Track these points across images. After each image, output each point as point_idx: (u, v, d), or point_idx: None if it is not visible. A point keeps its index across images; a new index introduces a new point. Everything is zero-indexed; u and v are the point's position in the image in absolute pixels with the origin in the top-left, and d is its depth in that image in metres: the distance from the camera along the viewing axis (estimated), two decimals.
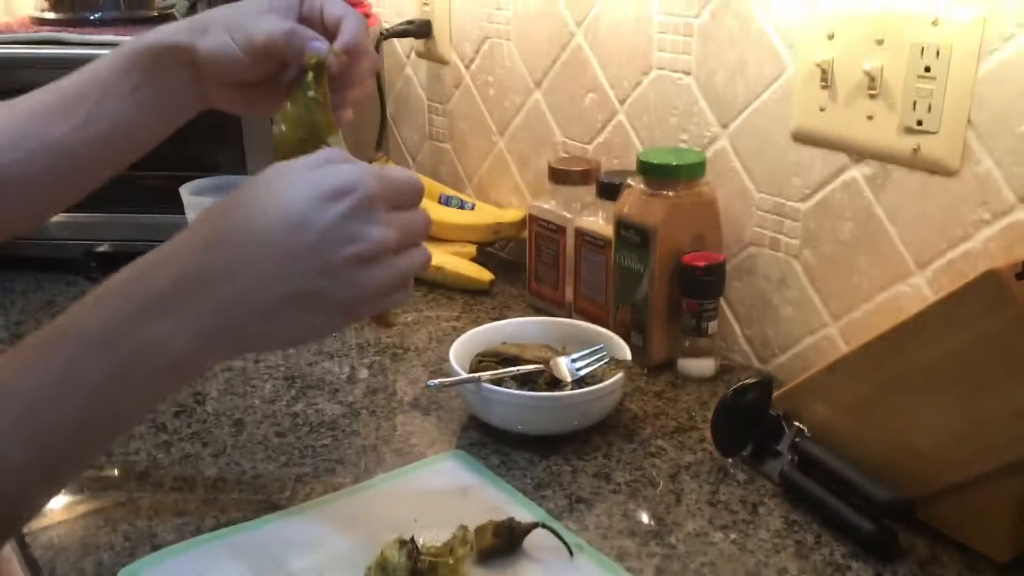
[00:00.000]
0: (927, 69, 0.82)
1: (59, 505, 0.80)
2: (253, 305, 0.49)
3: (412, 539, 0.71)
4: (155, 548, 0.74)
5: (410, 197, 0.56)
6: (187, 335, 0.49)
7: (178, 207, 1.16)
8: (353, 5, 1.34)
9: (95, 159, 0.71)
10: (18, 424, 0.46)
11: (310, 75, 0.65)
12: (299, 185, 0.51)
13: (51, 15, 1.31)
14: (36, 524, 0.77)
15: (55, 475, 0.50)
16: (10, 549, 0.69)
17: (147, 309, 0.48)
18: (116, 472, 0.85)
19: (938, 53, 0.81)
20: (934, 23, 0.81)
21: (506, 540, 0.73)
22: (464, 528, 0.74)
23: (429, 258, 0.57)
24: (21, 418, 0.46)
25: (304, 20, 0.69)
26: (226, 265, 0.49)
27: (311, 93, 0.65)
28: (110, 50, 0.71)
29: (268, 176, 0.54)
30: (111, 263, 1.25)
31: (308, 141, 0.66)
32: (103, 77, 0.70)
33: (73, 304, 0.50)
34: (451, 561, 0.69)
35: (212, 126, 1.24)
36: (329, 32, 0.68)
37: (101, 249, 1.28)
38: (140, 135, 0.72)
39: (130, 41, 0.70)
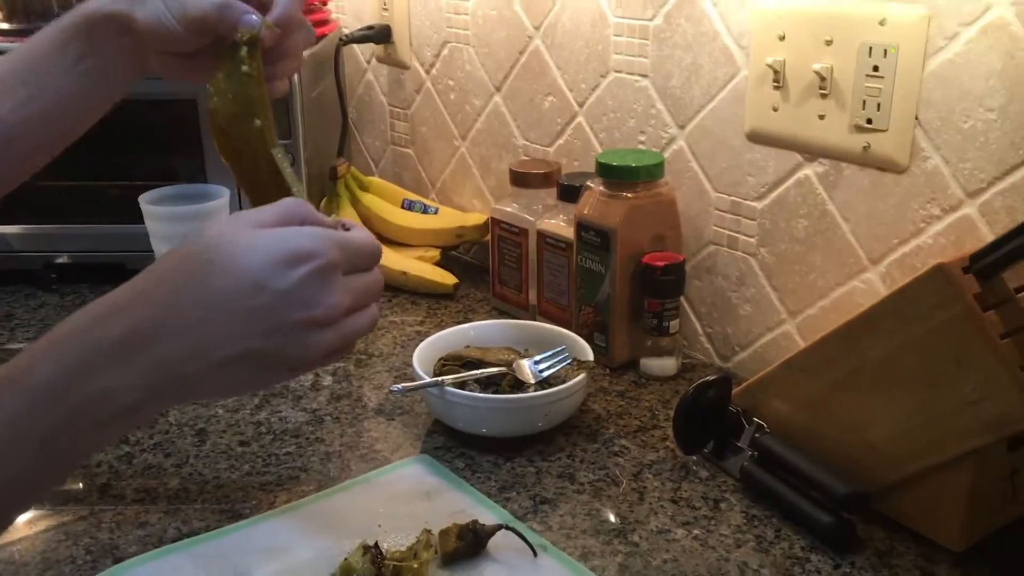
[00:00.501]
0: (875, 68, 0.83)
1: (20, 521, 0.79)
2: (204, 361, 0.50)
3: (376, 544, 0.71)
4: (116, 560, 0.73)
5: (367, 261, 0.56)
6: (136, 387, 0.49)
7: (137, 217, 1.15)
8: (311, 11, 1.34)
9: (41, 136, 0.70)
10: None
11: (243, 50, 0.64)
12: (258, 249, 0.51)
13: (4, 25, 1.29)
14: None
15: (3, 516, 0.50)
16: None
17: (99, 360, 0.48)
18: (78, 485, 0.84)
19: (885, 52, 0.82)
20: (881, 23, 0.82)
21: (470, 543, 0.73)
22: (428, 532, 0.74)
23: (376, 319, 0.57)
24: None
25: None
26: (181, 322, 0.50)
27: (244, 68, 0.64)
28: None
29: (229, 234, 0.52)
30: (71, 274, 1.25)
31: (243, 115, 0.65)
32: (43, 51, 0.68)
33: (22, 349, 0.50)
34: (415, 565, 0.70)
35: (171, 135, 1.24)
36: (263, 3, 0.67)
37: (60, 260, 1.27)
38: (84, 107, 0.71)
39: (66, 14, 0.69)
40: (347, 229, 0.57)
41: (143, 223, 1.16)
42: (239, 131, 0.66)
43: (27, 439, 0.47)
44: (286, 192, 0.67)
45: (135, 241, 1.21)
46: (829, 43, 0.86)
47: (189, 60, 0.70)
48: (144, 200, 1.15)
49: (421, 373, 0.91)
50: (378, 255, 0.56)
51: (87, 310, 0.51)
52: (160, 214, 1.14)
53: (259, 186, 0.68)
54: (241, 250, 0.51)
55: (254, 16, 0.64)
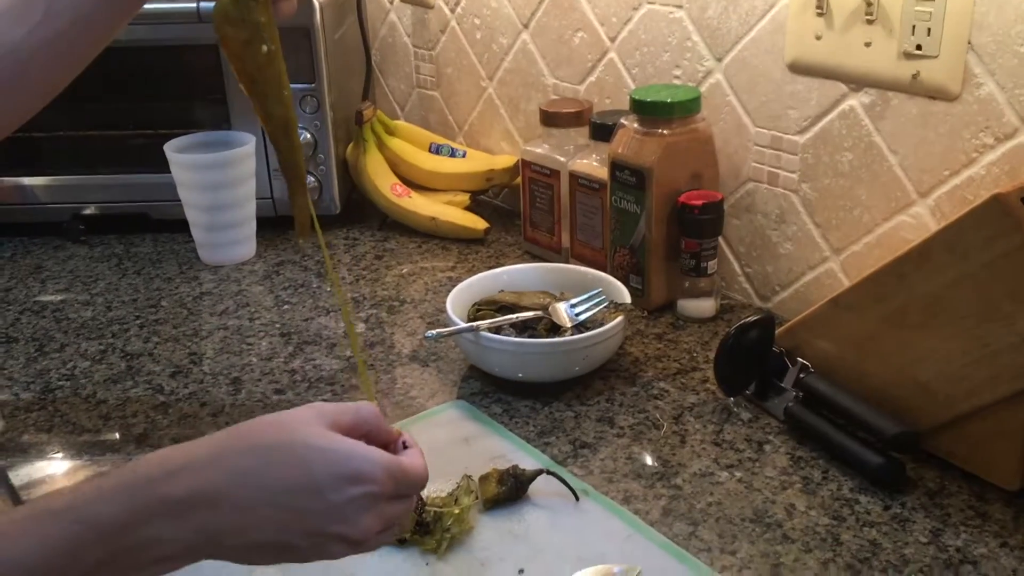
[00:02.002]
0: None
1: (58, 471, 0.79)
2: (243, 538, 0.53)
3: None
4: None
5: (412, 491, 0.59)
6: (179, 542, 0.52)
7: (163, 166, 1.14)
8: None
9: (57, 60, 0.69)
10: None
11: None
12: (329, 459, 0.54)
13: None
14: (37, 491, 0.76)
15: None
16: None
17: (158, 511, 0.51)
18: (114, 436, 0.84)
19: None
20: None
21: (511, 488, 0.72)
22: (468, 477, 0.73)
23: (382, 544, 0.59)
24: None
25: None
26: (240, 499, 0.52)
27: None
28: None
29: (310, 433, 0.55)
30: (99, 224, 1.25)
31: (251, 41, 0.64)
32: None
33: (80, 483, 0.52)
34: (457, 511, 0.69)
35: (193, 83, 1.22)
36: None
37: (88, 211, 1.26)
38: (99, 29, 0.70)
39: None
40: (407, 446, 0.60)
41: (169, 172, 1.14)
42: (251, 57, 0.64)
43: (76, 567, 0.50)
44: (290, 125, 0.66)
45: (161, 190, 1.20)
46: None
47: None
48: (169, 148, 1.14)
49: (455, 319, 0.89)
50: (423, 485, 0.59)
51: (161, 460, 0.53)
52: (186, 162, 1.13)
53: (269, 116, 0.66)
54: (314, 453, 0.54)
55: None
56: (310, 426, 0.56)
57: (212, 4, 0.65)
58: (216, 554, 0.54)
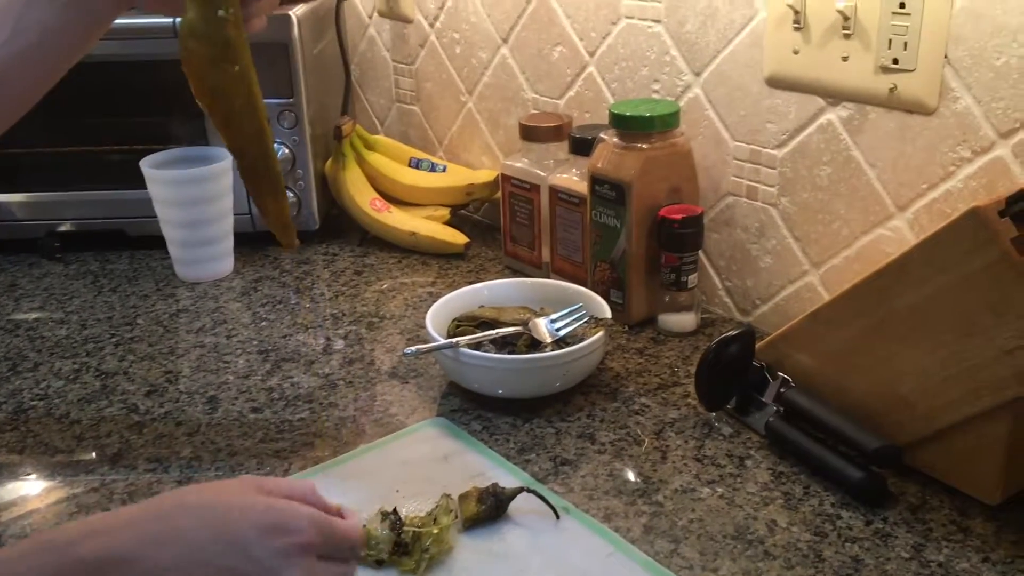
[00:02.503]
0: (902, 5, 0.80)
1: (32, 493, 0.78)
2: None
3: (395, 510, 0.69)
4: None
5: (344, 553, 0.58)
6: None
7: (140, 182, 1.13)
8: None
9: (26, 75, 0.68)
10: None
11: None
12: (249, 514, 0.54)
13: None
14: (8, 514, 0.75)
15: None
16: None
17: (73, 574, 0.50)
18: (88, 457, 0.82)
19: None
20: None
21: (491, 506, 0.71)
22: (447, 496, 0.72)
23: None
24: None
25: None
26: (152, 563, 0.51)
27: (221, 12, 0.61)
28: None
29: (233, 492, 0.56)
30: (74, 241, 1.23)
31: (219, 59, 0.63)
32: None
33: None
34: (436, 531, 0.68)
35: (171, 99, 1.21)
36: None
37: (63, 228, 1.25)
38: (69, 43, 0.70)
39: None
40: (343, 517, 0.59)
41: (145, 188, 1.13)
42: (215, 75, 0.63)
43: None
44: (263, 134, 0.65)
45: (138, 207, 1.18)
46: None
47: None
48: (146, 164, 1.13)
49: (435, 335, 0.88)
50: (357, 548, 0.59)
51: (88, 523, 0.53)
52: (162, 178, 1.12)
53: (235, 129, 0.65)
54: (234, 512, 0.53)
55: None
56: (236, 491, 0.55)
57: None
58: None
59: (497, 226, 1.22)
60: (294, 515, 0.55)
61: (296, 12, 1.17)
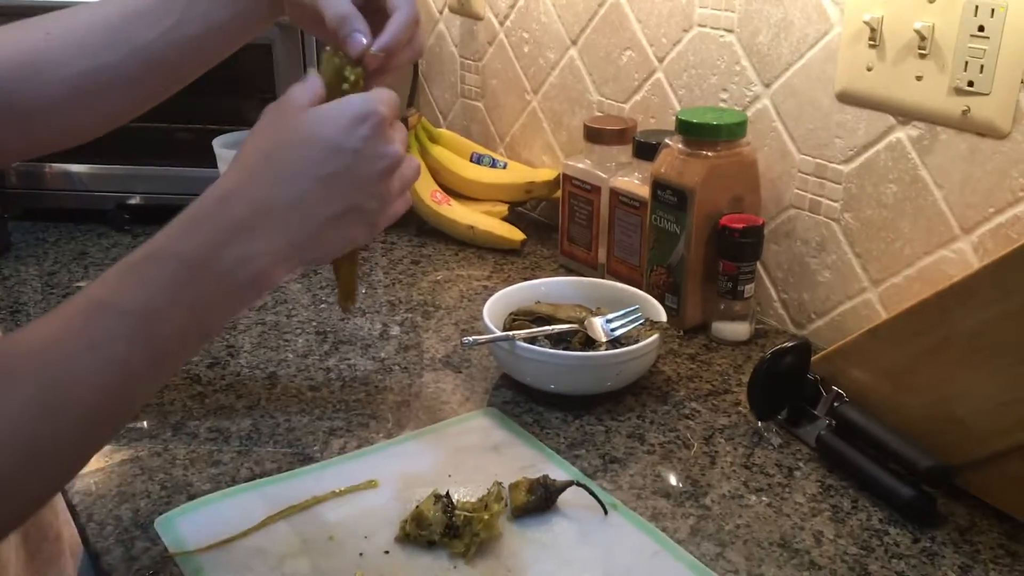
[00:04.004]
0: (980, 28, 0.80)
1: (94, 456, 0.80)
2: (315, 225, 0.58)
3: (447, 494, 0.71)
4: (191, 497, 0.74)
5: (396, 111, 0.63)
6: (265, 253, 0.57)
7: (210, 160, 1.16)
8: None
9: (185, 62, 0.73)
10: (135, 336, 0.53)
11: (347, 66, 0.64)
12: (326, 120, 0.59)
13: None
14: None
15: (154, 381, 0.57)
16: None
17: (233, 234, 0.56)
18: (151, 422, 0.85)
19: (992, 12, 0.78)
20: None
21: (541, 497, 0.73)
22: (499, 484, 0.74)
23: (419, 168, 0.65)
24: (138, 331, 0.53)
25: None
26: (292, 194, 0.57)
27: (346, 76, 0.64)
28: None
29: (292, 118, 0.60)
30: (143, 215, 1.27)
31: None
32: None
33: (159, 231, 0.56)
34: (486, 516, 0.69)
35: (244, 80, 1.24)
36: (381, 10, 0.67)
37: (133, 201, 1.28)
38: (229, 37, 0.73)
39: None
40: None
41: (216, 167, 1.16)
42: None
43: (180, 303, 0.54)
44: None
45: (207, 184, 1.20)
46: (932, 1, 0.82)
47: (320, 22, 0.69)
48: (218, 144, 1.16)
49: (492, 327, 0.90)
50: (399, 102, 0.63)
51: (207, 195, 0.57)
52: (233, 158, 1.14)
53: None
54: (312, 125, 0.59)
55: (363, 39, 0.64)
56: (289, 114, 0.60)
57: None
58: (304, 254, 0.59)
59: (554, 225, 1.23)
60: (358, 101, 0.60)
61: None
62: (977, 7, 0.79)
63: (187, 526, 0.71)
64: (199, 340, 0.59)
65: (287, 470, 0.78)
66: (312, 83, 0.62)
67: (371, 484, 0.76)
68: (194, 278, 0.55)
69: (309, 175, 0.58)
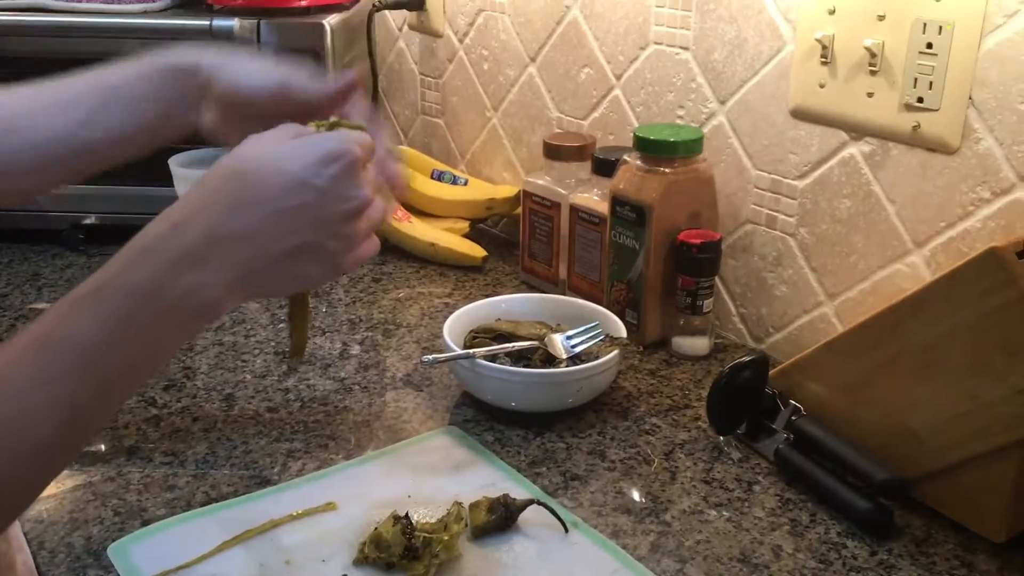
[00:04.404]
0: (929, 45, 0.81)
1: None
2: (267, 258, 0.58)
3: (407, 515, 0.70)
4: (145, 523, 0.73)
5: (370, 153, 0.63)
6: (216, 285, 0.56)
7: (166, 179, 1.15)
8: None
9: (82, 160, 0.72)
10: (85, 370, 0.53)
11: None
12: (295, 155, 0.59)
13: None
14: None
15: (106, 412, 0.57)
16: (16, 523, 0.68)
17: (182, 265, 0.55)
18: (105, 447, 0.84)
19: (940, 29, 0.80)
20: None
21: (501, 517, 0.72)
22: (459, 504, 0.73)
23: (386, 212, 0.65)
24: (88, 365, 0.53)
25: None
26: (246, 225, 0.57)
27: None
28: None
29: (264, 148, 0.60)
30: (98, 235, 1.25)
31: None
32: (114, 82, 0.71)
33: (109, 260, 0.55)
34: (446, 537, 0.69)
35: None
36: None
37: (88, 221, 1.26)
38: (134, 144, 0.73)
39: (155, 54, 0.72)
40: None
41: (172, 185, 1.15)
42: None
43: (129, 335, 0.54)
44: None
45: (163, 203, 1.17)
46: (881, 18, 0.84)
47: (246, 124, 0.69)
48: (174, 163, 1.15)
49: (452, 345, 0.90)
50: (374, 147, 0.64)
51: (163, 219, 0.57)
52: (190, 177, 1.13)
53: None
54: (282, 158, 0.59)
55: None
56: (262, 144, 0.60)
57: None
58: (257, 286, 0.59)
59: (515, 241, 1.24)
60: (332, 141, 0.60)
61: (330, 21, 1.19)
62: (925, 24, 0.81)
63: (141, 553, 0.69)
64: (149, 370, 0.59)
65: (244, 493, 0.77)
66: (292, 126, 0.62)
67: (330, 506, 0.75)
68: (143, 309, 0.54)
69: (266, 207, 0.57)
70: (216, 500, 0.76)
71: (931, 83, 0.82)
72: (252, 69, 0.71)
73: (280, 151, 0.59)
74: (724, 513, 0.76)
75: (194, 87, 0.71)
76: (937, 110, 0.82)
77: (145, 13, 1.21)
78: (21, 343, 0.53)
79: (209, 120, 0.72)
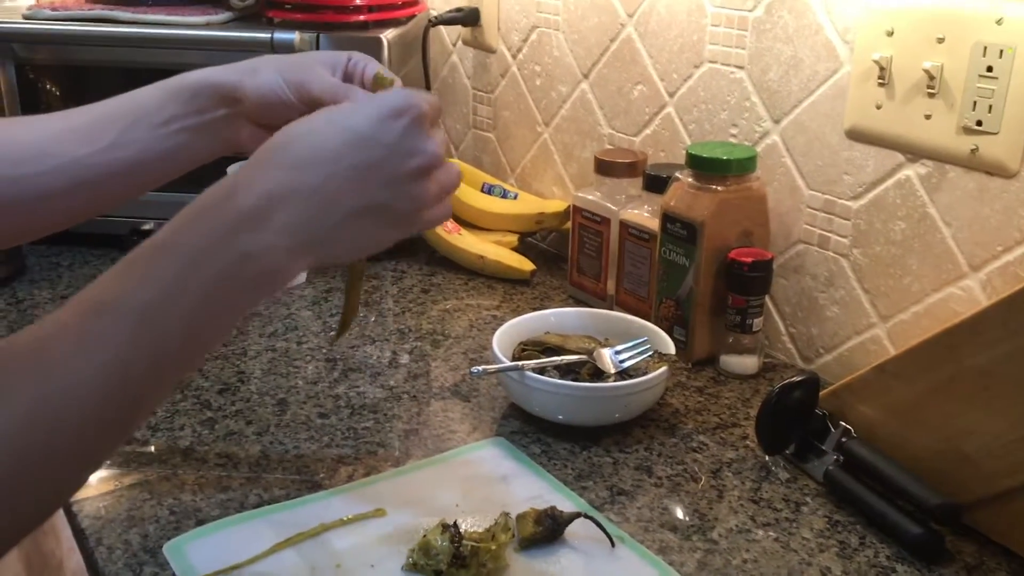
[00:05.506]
0: (989, 69, 0.81)
1: (105, 477, 0.81)
2: (330, 218, 0.55)
3: (455, 524, 0.71)
4: (200, 523, 0.75)
5: (438, 112, 0.61)
6: (275, 249, 0.53)
7: None
8: None
9: (113, 184, 0.71)
10: (137, 334, 0.50)
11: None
12: (361, 111, 0.57)
13: None
14: (82, 494, 0.78)
15: (161, 387, 0.54)
16: (60, 517, 0.70)
17: (239, 225, 0.53)
18: (161, 447, 0.86)
19: (1001, 53, 0.79)
20: (998, 22, 0.79)
21: (548, 528, 0.73)
22: (506, 515, 0.74)
23: (460, 175, 0.62)
24: (139, 329, 0.50)
25: (347, 78, 0.71)
26: (308, 185, 0.54)
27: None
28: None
29: (328, 110, 0.59)
30: None
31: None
32: (138, 105, 0.70)
33: (165, 224, 0.54)
34: (493, 547, 0.70)
35: None
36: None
37: (147, 227, 1.29)
38: (162, 168, 0.72)
39: (176, 76, 0.71)
40: None
41: None
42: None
43: (182, 300, 0.51)
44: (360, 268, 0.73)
45: None
46: (941, 41, 0.84)
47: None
48: (233, 170, 1.17)
49: (501, 356, 0.90)
50: (441, 108, 0.64)
51: (220, 185, 0.55)
52: None
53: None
54: (347, 115, 0.57)
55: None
56: (326, 109, 0.58)
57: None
58: (319, 250, 0.55)
59: (563, 255, 1.24)
60: (398, 94, 0.58)
61: (387, 35, 1.21)
62: (986, 48, 0.80)
63: (196, 552, 0.71)
64: (206, 343, 0.55)
65: (295, 497, 0.78)
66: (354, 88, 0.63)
67: (379, 512, 0.76)
68: (198, 271, 0.52)
69: (333, 164, 0.55)
70: (268, 502, 0.77)
71: (991, 106, 0.81)
72: (270, 80, 0.69)
73: (341, 110, 0.57)
74: (772, 533, 0.76)
75: (221, 105, 0.70)
76: (996, 133, 0.81)
77: (208, 25, 1.24)
78: (68, 311, 0.50)
79: (246, 135, 0.72)
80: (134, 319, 0.50)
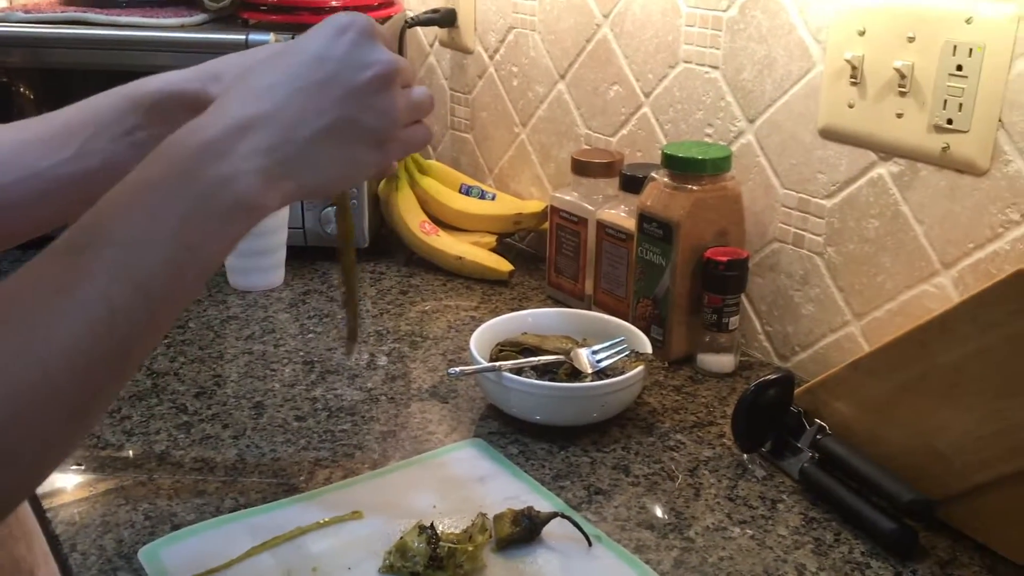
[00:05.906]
0: (959, 68, 0.81)
1: (80, 483, 0.81)
2: (297, 137, 0.55)
3: (432, 525, 0.71)
4: (175, 527, 0.74)
5: (391, 42, 0.61)
6: (247, 172, 0.53)
7: None
8: None
9: (78, 194, 0.69)
10: (117, 270, 0.49)
11: None
12: (308, 35, 0.58)
13: None
14: (57, 500, 0.78)
15: (155, 325, 0.53)
16: (33, 523, 0.69)
17: (205, 155, 0.53)
18: (136, 452, 0.85)
19: (971, 52, 0.80)
20: (968, 21, 0.80)
21: (525, 529, 0.73)
22: (483, 516, 0.74)
23: (431, 96, 0.62)
24: (118, 263, 0.49)
25: None
26: (268, 109, 0.55)
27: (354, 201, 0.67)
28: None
29: (276, 45, 0.61)
30: None
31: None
32: (100, 115, 0.69)
33: (134, 167, 0.54)
34: (470, 548, 0.70)
35: None
36: None
37: None
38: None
39: (137, 82, 0.70)
40: None
41: None
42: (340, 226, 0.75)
43: (164, 230, 0.51)
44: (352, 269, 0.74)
45: None
46: (911, 40, 0.84)
47: None
48: None
49: (478, 357, 0.90)
50: (412, 71, 0.62)
51: (185, 126, 0.55)
52: None
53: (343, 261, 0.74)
54: (296, 42, 0.58)
55: None
56: (275, 45, 0.60)
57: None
58: (297, 174, 0.55)
59: (541, 256, 1.24)
60: (343, 15, 0.58)
61: None
62: (955, 47, 0.81)
63: (171, 557, 0.71)
64: (194, 276, 0.54)
65: (272, 500, 0.78)
66: None
67: (356, 515, 0.76)
68: (172, 202, 0.51)
69: (290, 85, 0.56)
70: (245, 506, 0.77)
71: (961, 105, 0.82)
72: (226, 81, 0.68)
73: (291, 42, 0.59)
74: (748, 531, 0.76)
75: (182, 112, 0.67)
76: (967, 132, 0.82)
77: (182, 27, 1.23)
78: (39, 259, 0.49)
79: None
80: (110, 254, 0.49)
